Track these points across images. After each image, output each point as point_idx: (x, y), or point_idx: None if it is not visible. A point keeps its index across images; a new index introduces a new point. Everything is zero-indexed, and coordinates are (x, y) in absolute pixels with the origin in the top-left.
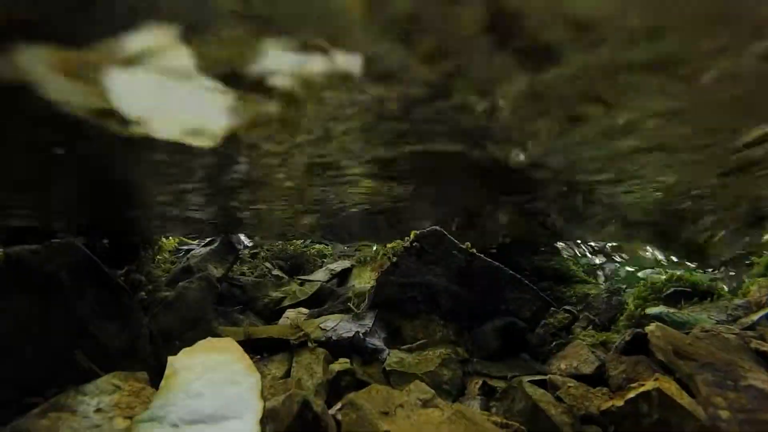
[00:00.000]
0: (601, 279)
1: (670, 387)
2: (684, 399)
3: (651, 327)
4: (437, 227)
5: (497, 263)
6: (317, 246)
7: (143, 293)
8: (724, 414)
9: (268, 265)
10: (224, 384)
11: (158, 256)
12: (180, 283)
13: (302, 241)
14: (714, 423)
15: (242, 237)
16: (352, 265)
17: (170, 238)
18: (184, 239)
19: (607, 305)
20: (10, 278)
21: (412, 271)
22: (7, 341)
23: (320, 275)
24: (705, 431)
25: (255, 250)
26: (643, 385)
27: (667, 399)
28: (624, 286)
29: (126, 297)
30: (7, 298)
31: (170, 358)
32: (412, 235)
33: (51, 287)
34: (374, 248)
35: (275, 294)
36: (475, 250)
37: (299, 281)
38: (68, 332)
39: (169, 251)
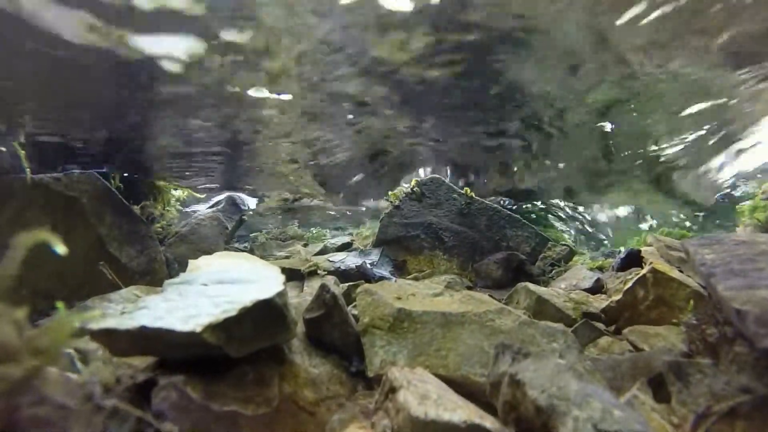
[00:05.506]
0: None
1: (663, 266)
2: (675, 273)
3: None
4: (436, 175)
5: (495, 205)
6: (314, 230)
7: (158, 226)
8: (709, 257)
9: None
10: (246, 267)
11: (168, 208)
12: (193, 220)
13: (299, 227)
14: (701, 265)
15: (246, 198)
16: (351, 240)
17: (179, 190)
18: (192, 192)
19: None
20: (34, 198)
21: (414, 213)
22: (33, 254)
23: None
24: (696, 296)
25: (254, 234)
26: (638, 273)
27: (661, 275)
28: (619, 250)
29: (143, 226)
30: (31, 214)
31: (191, 261)
32: (413, 183)
33: (73, 210)
34: (370, 229)
35: (280, 253)
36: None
37: (303, 243)
38: (90, 251)
39: (177, 207)
